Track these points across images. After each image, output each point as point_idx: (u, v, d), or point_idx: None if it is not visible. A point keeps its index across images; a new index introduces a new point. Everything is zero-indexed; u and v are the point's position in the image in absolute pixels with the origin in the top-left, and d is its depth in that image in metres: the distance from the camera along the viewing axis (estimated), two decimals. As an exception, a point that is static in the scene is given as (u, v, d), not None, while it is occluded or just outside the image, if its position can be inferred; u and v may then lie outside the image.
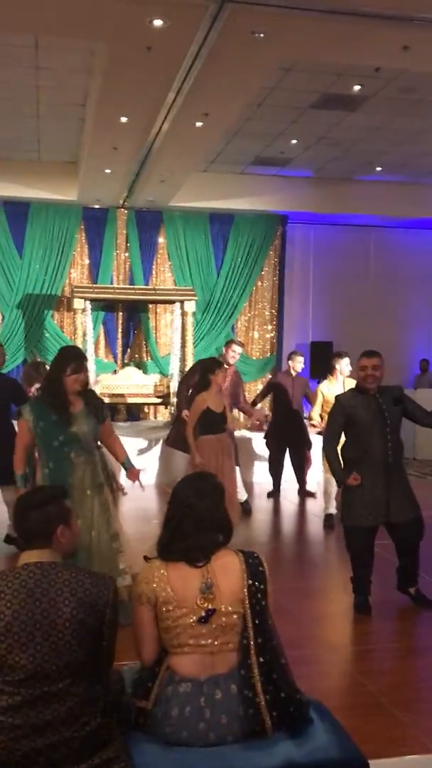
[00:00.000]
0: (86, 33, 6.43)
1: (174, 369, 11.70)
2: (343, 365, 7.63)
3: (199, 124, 8.27)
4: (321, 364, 12.95)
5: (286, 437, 8.71)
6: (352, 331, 13.20)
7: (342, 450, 4.95)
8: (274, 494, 8.82)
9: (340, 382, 7.65)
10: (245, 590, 2.53)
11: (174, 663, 2.53)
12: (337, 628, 4.64)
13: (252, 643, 2.51)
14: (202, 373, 6.56)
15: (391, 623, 4.72)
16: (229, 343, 8.24)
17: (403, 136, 10.26)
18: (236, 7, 5.66)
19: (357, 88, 8.50)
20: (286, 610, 5.01)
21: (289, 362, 8.86)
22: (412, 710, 3.52)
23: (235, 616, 2.52)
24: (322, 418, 7.51)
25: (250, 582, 2.54)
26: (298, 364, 8.75)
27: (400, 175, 12.09)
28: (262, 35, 6.13)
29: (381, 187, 12.37)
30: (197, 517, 2.59)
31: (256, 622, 2.52)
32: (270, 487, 8.94)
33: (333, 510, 7.29)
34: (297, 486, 8.88)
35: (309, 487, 8.86)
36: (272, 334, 13.47)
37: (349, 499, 4.80)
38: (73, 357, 4.51)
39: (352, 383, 7.37)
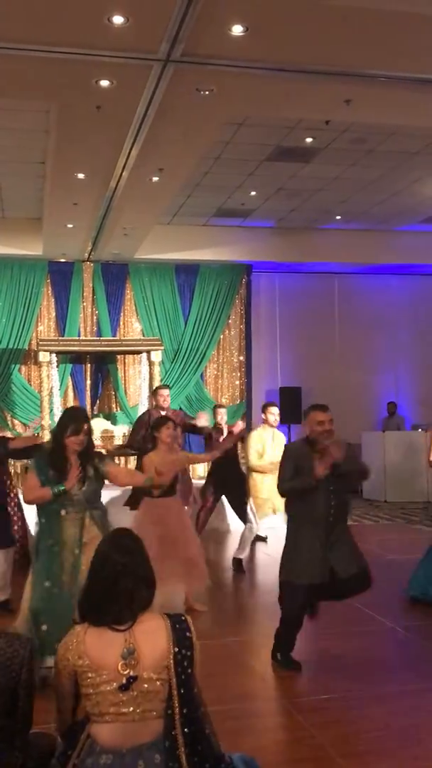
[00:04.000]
0: (36, 94, 6.59)
1: (142, 419, 11.69)
2: (269, 415, 7.78)
3: (155, 178, 8.44)
4: (290, 410, 13.05)
5: (224, 483, 8.49)
6: (320, 376, 13.34)
7: (285, 504, 4.89)
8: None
9: (269, 431, 7.82)
10: (171, 658, 2.44)
11: (95, 732, 2.43)
12: (288, 680, 4.56)
13: (177, 713, 2.42)
14: (150, 434, 6.23)
15: (342, 672, 4.65)
16: (155, 391, 8.07)
17: (358, 185, 10.51)
18: (180, 67, 5.83)
19: (309, 140, 8.75)
20: (243, 663, 4.95)
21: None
22: (360, 762, 3.46)
23: (158, 683, 2.43)
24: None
25: (176, 649, 2.45)
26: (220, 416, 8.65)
27: (360, 223, 12.35)
28: (207, 93, 6.32)
29: (341, 235, 12.63)
30: (131, 573, 2.52)
31: (182, 691, 2.43)
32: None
33: (243, 555, 7.59)
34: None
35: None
36: (241, 381, 13.54)
37: (290, 555, 4.69)
38: (73, 418, 4.56)
39: (278, 435, 7.78)
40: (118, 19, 5.13)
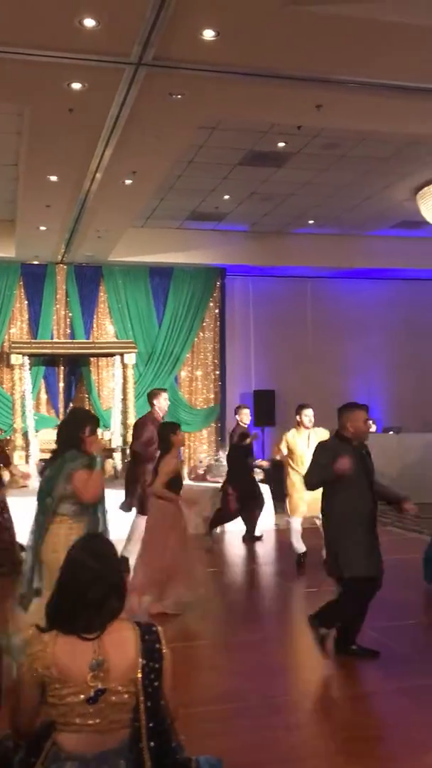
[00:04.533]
0: (9, 96, 6.55)
1: (115, 422, 11.68)
2: (303, 417, 7.77)
3: (128, 181, 8.44)
4: (264, 412, 13.11)
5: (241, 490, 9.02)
6: (293, 379, 13.41)
7: (332, 504, 4.88)
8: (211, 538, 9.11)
9: (304, 433, 7.78)
10: (139, 670, 2.40)
11: (61, 739, 2.40)
12: (261, 681, 4.58)
13: (143, 725, 2.39)
14: (164, 436, 6.35)
15: (313, 674, 4.68)
16: (158, 393, 7.88)
17: (331, 190, 10.59)
18: (152, 71, 5.84)
19: (281, 145, 8.79)
20: (216, 666, 4.96)
21: (236, 416, 9.27)
22: (330, 763, 3.49)
23: (126, 696, 2.40)
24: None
25: (144, 662, 2.41)
26: (245, 416, 9.19)
27: (332, 228, 12.44)
28: (180, 96, 6.33)
29: (314, 239, 12.70)
30: (104, 581, 2.46)
31: (149, 704, 2.40)
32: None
33: (301, 550, 7.71)
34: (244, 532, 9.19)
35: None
36: (215, 384, 13.55)
37: (350, 551, 4.71)
38: (89, 418, 4.65)
39: (320, 433, 7.62)
40: (89, 22, 5.13)
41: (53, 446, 6.90)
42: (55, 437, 4.90)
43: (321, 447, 5.03)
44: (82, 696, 2.35)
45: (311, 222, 12.14)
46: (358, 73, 6.13)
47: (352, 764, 3.49)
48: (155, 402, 7.65)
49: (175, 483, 6.24)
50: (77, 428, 4.50)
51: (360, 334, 14.04)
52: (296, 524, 7.80)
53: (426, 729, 3.82)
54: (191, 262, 12.77)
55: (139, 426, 7.73)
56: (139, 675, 2.40)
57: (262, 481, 10.17)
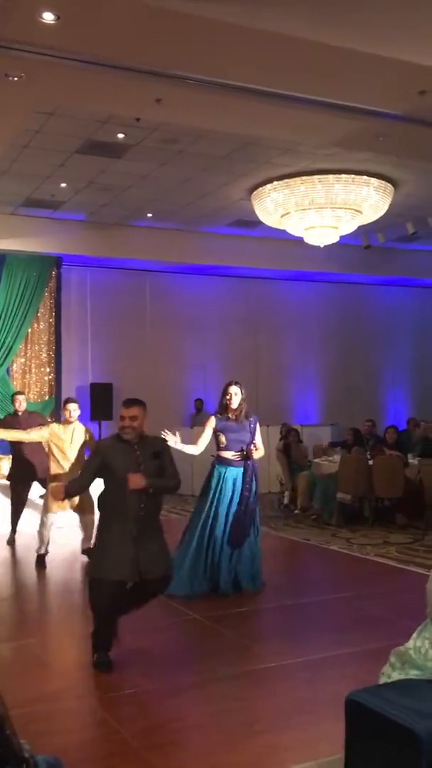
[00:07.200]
0: None
1: None
2: (72, 411, 7.57)
3: (-42, 163, 8.04)
4: (101, 406, 12.99)
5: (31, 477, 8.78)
6: (131, 372, 13.40)
7: (99, 498, 4.80)
8: (14, 540, 8.75)
9: (69, 427, 7.49)
10: None
11: None
12: (96, 677, 4.55)
13: None
14: None
15: (146, 666, 4.69)
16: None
17: (169, 184, 10.66)
18: (-13, 49, 5.60)
19: (120, 136, 8.73)
20: (45, 663, 4.87)
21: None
22: (162, 753, 3.52)
23: None
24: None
25: None
26: (18, 403, 9.03)
27: (171, 222, 12.53)
28: (16, 79, 6.11)
29: (153, 233, 12.75)
30: None
31: None
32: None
33: (44, 551, 7.55)
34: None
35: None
36: (50, 377, 13.23)
37: (99, 551, 4.66)
38: None
39: (81, 427, 7.51)
40: None
41: None
42: None
43: (94, 449, 4.95)
44: None
45: (150, 215, 12.17)
46: (197, 70, 6.19)
47: (183, 752, 3.55)
48: None
49: None
50: None
51: (197, 329, 14.27)
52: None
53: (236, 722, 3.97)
54: (25, 249, 12.38)
55: None
56: None
57: None
